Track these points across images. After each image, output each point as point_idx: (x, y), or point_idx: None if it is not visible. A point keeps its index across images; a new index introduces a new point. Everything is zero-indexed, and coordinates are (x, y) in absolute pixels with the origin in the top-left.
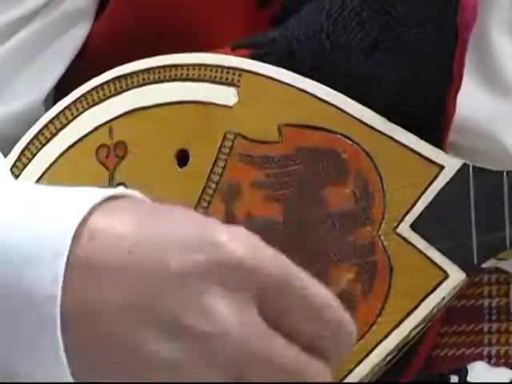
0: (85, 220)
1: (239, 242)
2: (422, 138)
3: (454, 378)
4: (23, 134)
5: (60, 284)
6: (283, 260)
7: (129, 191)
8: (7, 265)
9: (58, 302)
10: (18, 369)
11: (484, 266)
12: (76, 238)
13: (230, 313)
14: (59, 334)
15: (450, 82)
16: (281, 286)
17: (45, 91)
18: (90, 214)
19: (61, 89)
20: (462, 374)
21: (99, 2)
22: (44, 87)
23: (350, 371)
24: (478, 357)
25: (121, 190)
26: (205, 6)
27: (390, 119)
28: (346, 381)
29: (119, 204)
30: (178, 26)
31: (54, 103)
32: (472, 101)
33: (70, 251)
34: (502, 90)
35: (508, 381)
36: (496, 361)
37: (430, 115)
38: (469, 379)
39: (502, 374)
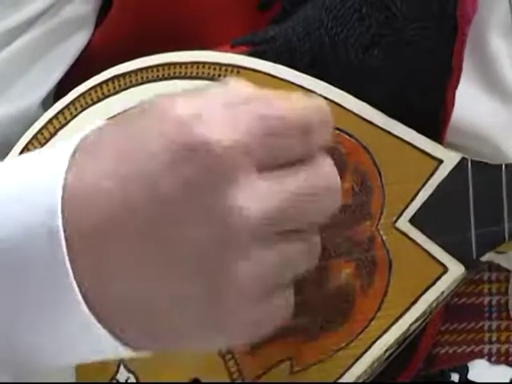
0: (65, 184)
1: (215, 128)
2: (420, 132)
3: (455, 376)
4: (20, 137)
5: (59, 213)
6: (261, 114)
7: (95, 125)
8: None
9: (61, 230)
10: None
11: (483, 259)
12: (64, 208)
13: (246, 199)
14: (68, 264)
15: (449, 76)
16: (270, 138)
17: (42, 96)
18: (66, 176)
19: (59, 94)
20: (463, 371)
21: (100, 9)
22: (42, 92)
23: (350, 366)
24: (479, 355)
25: (89, 128)
26: (205, 11)
27: (388, 114)
28: (345, 375)
29: (90, 149)
30: (179, 32)
31: None
32: (470, 103)
33: (64, 224)
34: (500, 94)
35: (508, 379)
36: (496, 359)
37: (429, 110)
38: (469, 377)
39: (503, 372)
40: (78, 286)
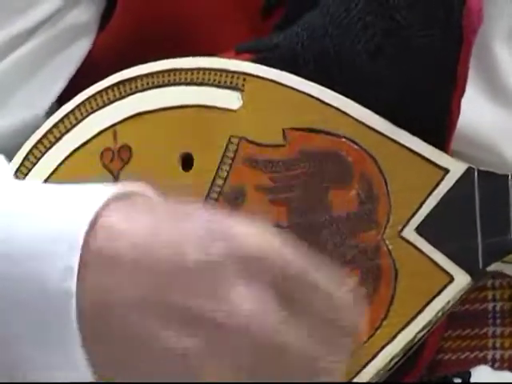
0: (99, 214)
1: (255, 233)
2: (425, 140)
3: (457, 382)
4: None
5: (75, 277)
6: (300, 254)
7: (141, 188)
8: (20, 259)
9: (74, 295)
10: (28, 368)
11: (489, 269)
12: (90, 231)
13: (249, 303)
14: (75, 326)
15: (455, 86)
16: (296, 278)
17: (47, 104)
18: (103, 208)
19: (64, 101)
20: (466, 377)
21: (102, 15)
22: (47, 100)
23: (356, 374)
24: (482, 361)
25: (134, 186)
26: (208, 17)
27: (393, 122)
28: None
29: (133, 200)
30: (182, 37)
31: None
32: (474, 111)
33: (84, 244)
34: (503, 101)
35: None
36: (500, 365)
37: (434, 118)
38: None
39: (506, 378)
40: (77, 299)
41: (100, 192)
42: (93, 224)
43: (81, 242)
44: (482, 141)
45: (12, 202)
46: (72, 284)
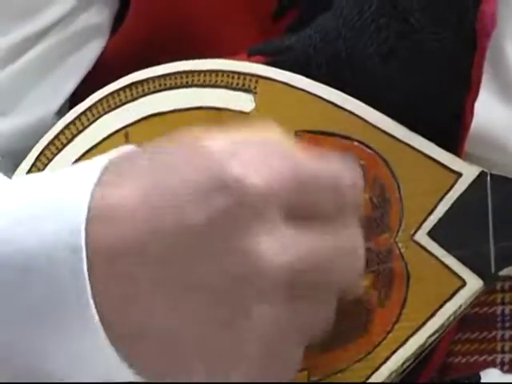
0: (90, 209)
1: (252, 170)
2: (438, 144)
3: None
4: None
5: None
6: (295, 167)
7: (123, 150)
8: (24, 218)
9: (84, 252)
10: (45, 343)
11: (502, 273)
12: (88, 228)
13: (271, 246)
14: (87, 281)
15: (468, 90)
16: (303, 192)
17: (57, 105)
18: (92, 197)
19: (75, 103)
20: (475, 380)
21: (115, 17)
22: (57, 101)
23: (367, 378)
24: (491, 364)
25: (114, 153)
26: (220, 19)
27: (405, 125)
28: None
29: (121, 169)
30: (193, 40)
31: None
32: (487, 112)
33: (87, 246)
34: None
35: None
36: (509, 368)
37: (447, 122)
38: None
39: None
40: (96, 306)
41: (85, 175)
42: (89, 218)
43: (83, 244)
44: (495, 142)
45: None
46: (81, 241)
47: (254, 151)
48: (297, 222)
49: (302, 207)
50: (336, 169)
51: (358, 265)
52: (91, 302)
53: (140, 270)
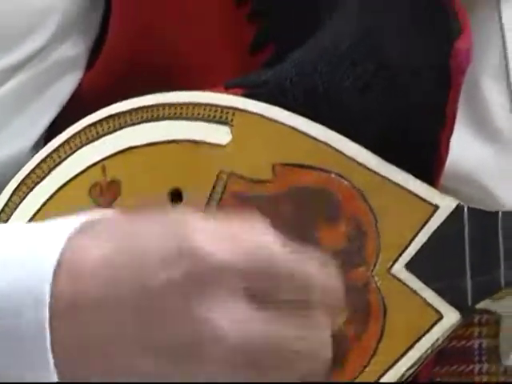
0: (59, 262)
1: (216, 242)
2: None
3: None
4: (11, 180)
5: (47, 332)
6: (264, 246)
7: (95, 213)
8: None
9: (48, 346)
10: None
11: (478, 306)
12: (54, 283)
13: (223, 316)
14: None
15: (443, 126)
16: (265, 272)
17: (34, 138)
18: (62, 253)
19: (51, 137)
20: None
21: (92, 49)
22: (34, 134)
23: None
24: None
25: (87, 214)
26: (197, 54)
27: (383, 159)
28: None
29: (90, 232)
30: (170, 74)
31: None
32: (462, 147)
33: (51, 298)
34: (491, 138)
35: None
36: None
37: (423, 157)
38: None
39: None
40: (53, 354)
41: (59, 230)
42: (57, 271)
43: (48, 294)
44: (470, 177)
45: None
46: (46, 337)
47: (228, 230)
48: (257, 301)
49: (266, 291)
50: (312, 271)
51: (317, 364)
52: (49, 347)
53: (98, 327)
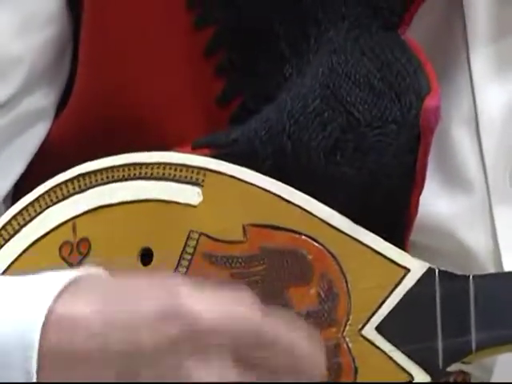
0: (50, 312)
1: (207, 307)
2: (383, 237)
3: None
4: None
5: (37, 337)
6: (253, 315)
7: (90, 271)
8: None
9: (35, 353)
10: None
11: (449, 369)
12: (44, 332)
13: (210, 377)
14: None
15: (413, 184)
16: (254, 341)
17: (4, 190)
18: (55, 302)
19: (20, 188)
20: None
21: (59, 101)
22: (3, 186)
23: None
24: None
25: (82, 271)
26: (163, 107)
27: (352, 218)
28: None
29: (83, 287)
30: (137, 127)
31: (13, 202)
32: (432, 198)
33: (40, 347)
34: (461, 188)
35: None
36: None
37: (393, 214)
38: None
39: None
40: None
41: (50, 285)
42: (46, 325)
43: (36, 346)
44: (442, 229)
45: None
46: (34, 342)
47: (219, 299)
48: (245, 367)
49: (252, 357)
50: (295, 338)
51: None
52: None
53: (85, 379)
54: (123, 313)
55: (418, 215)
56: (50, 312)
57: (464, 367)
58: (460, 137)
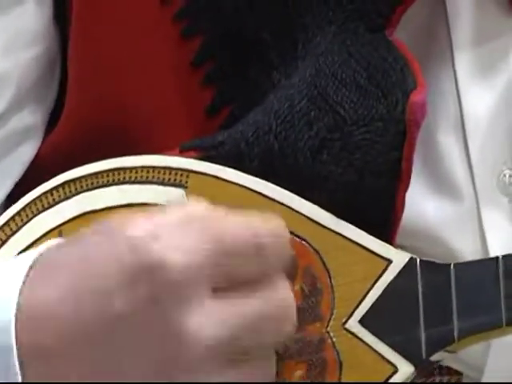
0: (19, 308)
1: (171, 254)
2: (371, 235)
3: None
4: None
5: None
6: (214, 237)
7: (48, 245)
8: None
9: (14, 350)
10: None
11: (433, 358)
12: (18, 332)
13: (196, 323)
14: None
15: (399, 180)
16: (220, 262)
17: None
18: (21, 294)
19: (10, 204)
20: None
21: (49, 117)
22: None
23: None
24: None
25: (40, 249)
26: (153, 118)
27: (338, 217)
28: None
29: (45, 268)
30: (127, 139)
31: None
32: (420, 203)
33: (18, 347)
34: (448, 192)
35: None
36: None
37: (379, 214)
38: None
39: None
40: None
41: (13, 276)
42: (18, 324)
43: (14, 346)
44: (427, 232)
45: None
46: (11, 340)
47: (172, 228)
48: (224, 293)
49: (226, 277)
50: (255, 227)
51: (289, 323)
52: None
53: (69, 365)
54: (90, 283)
55: (407, 220)
56: (19, 307)
57: (448, 356)
58: (447, 142)
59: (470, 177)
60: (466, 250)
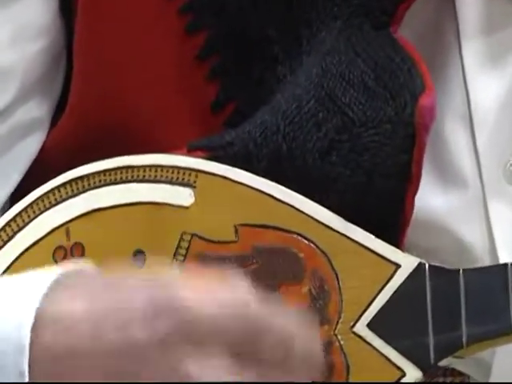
0: (39, 313)
1: (200, 299)
2: (379, 237)
3: None
4: None
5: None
6: (248, 304)
7: (77, 266)
8: None
9: (27, 351)
10: None
11: (441, 364)
12: (34, 334)
13: (209, 374)
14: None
15: (408, 183)
16: (249, 335)
17: (0, 201)
18: (43, 302)
19: (16, 197)
20: None
21: (54, 110)
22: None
23: None
24: None
25: (69, 267)
26: (157, 114)
27: (346, 218)
28: None
29: (71, 284)
30: (132, 136)
31: None
32: (426, 194)
33: (31, 350)
34: (455, 182)
35: None
36: None
37: (388, 216)
38: None
39: None
40: None
41: (39, 282)
42: (36, 322)
43: (27, 344)
44: (436, 225)
45: None
46: (25, 341)
47: (210, 285)
48: (239, 358)
49: (246, 348)
50: (290, 327)
51: None
52: None
53: (80, 378)
54: (113, 309)
55: (415, 212)
56: (39, 313)
57: (456, 362)
58: (454, 132)
59: (477, 167)
60: (474, 241)
